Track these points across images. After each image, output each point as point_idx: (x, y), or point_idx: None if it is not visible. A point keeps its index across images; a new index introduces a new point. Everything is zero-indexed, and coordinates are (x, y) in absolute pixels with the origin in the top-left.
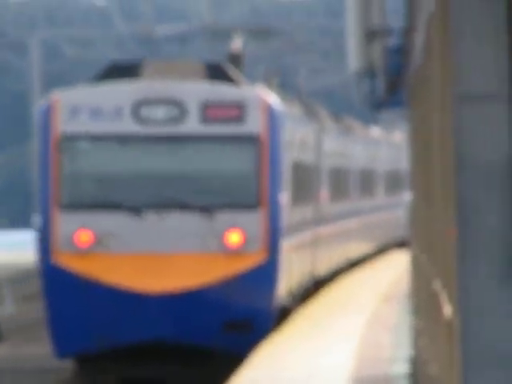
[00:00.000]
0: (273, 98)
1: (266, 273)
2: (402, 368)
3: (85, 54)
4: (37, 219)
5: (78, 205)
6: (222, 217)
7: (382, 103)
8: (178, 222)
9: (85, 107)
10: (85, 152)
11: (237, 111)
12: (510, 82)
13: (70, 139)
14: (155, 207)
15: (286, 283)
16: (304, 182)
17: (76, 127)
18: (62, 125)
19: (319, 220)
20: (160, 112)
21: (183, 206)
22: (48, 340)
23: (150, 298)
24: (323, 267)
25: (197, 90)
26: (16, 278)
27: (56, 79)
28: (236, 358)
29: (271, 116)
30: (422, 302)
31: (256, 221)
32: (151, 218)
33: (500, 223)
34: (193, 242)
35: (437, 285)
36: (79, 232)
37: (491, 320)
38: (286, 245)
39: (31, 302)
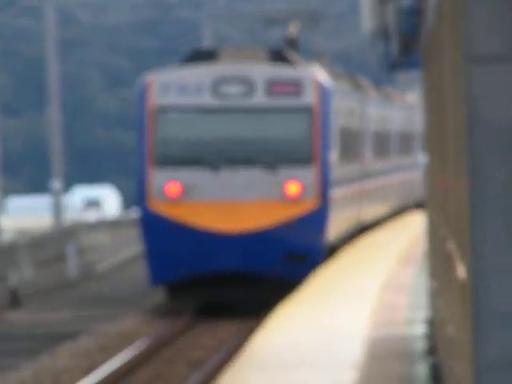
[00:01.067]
0: (323, 76)
1: (318, 216)
2: (418, 329)
3: (98, 19)
4: (136, 175)
5: (168, 162)
6: (283, 171)
7: (397, 65)
8: (247, 175)
9: (173, 85)
10: (174, 120)
11: (294, 87)
12: None
13: (163, 110)
14: (229, 164)
15: (334, 226)
16: (350, 143)
17: (167, 101)
18: (156, 99)
19: (363, 175)
20: (233, 89)
21: (252, 163)
22: (66, 304)
23: (225, 236)
24: (367, 215)
25: (262, 71)
26: (33, 243)
27: (70, 44)
28: (294, 284)
29: (322, 91)
30: (437, 263)
31: (310, 174)
32: (226, 173)
33: (511, 187)
34: (260, 192)
35: (451, 246)
36: (169, 184)
37: (503, 282)
38: (335, 194)
39: (48, 267)
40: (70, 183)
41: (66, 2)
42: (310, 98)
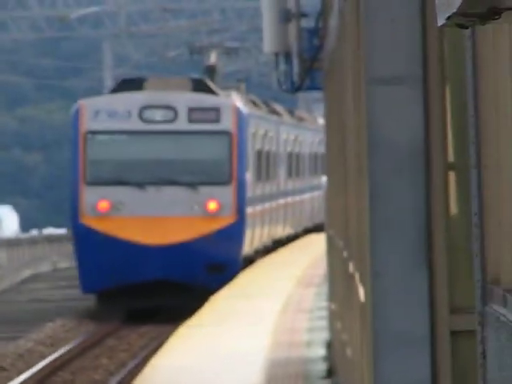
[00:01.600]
0: (240, 103)
1: (235, 230)
2: (318, 351)
3: None
4: (70, 192)
5: (98, 182)
6: (204, 190)
7: (299, 86)
8: (171, 194)
9: (103, 110)
10: (103, 143)
11: (214, 114)
12: (422, 66)
13: (93, 134)
14: (154, 183)
15: (250, 239)
16: (265, 164)
17: (97, 125)
18: (87, 123)
19: (277, 194)
20: (158, 114)
21: (175, 183)
22: None
23: (151, 248)
24: (280, 230)
25: (185, 99)
26: None
27: None
28: (213, 291)
29: (239, 117)
30: (337, 285)
31: (228, 193)
32: (151, 191)
33: (411, 207)
34: (182, 209)
35: (351, 268)
36: (100, 201)
37: (401, 304)
38: (250, 211)
39: None
40: None
41: None
42: (228, 123)
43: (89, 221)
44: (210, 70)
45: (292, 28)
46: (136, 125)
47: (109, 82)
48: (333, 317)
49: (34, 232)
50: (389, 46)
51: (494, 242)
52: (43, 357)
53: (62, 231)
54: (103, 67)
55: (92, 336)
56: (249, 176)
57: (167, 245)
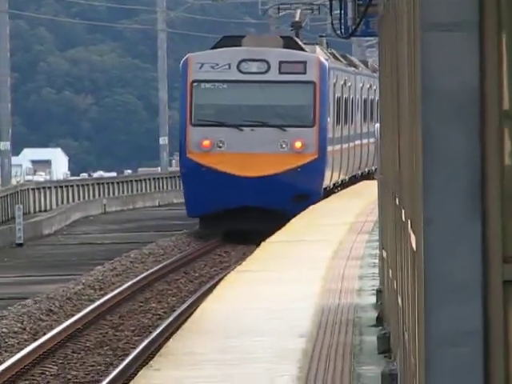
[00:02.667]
0: (323, 57)
1: (317, 165)
2: (369, 299)
3: None
4: (179, 132)
5: (202, 123)
6: (291, 131)
7: (353, 31)
8: (263, 134)
9: (207, 63)
10: (207, 91)
11: (301, 66)
12: (480, 11)
13: (198, 82)
14: (249, 125)
15: (330, 174)
16: (343, 110)
17: (202, 76)
18: (193, 74)
19: (354, 136)
20: (254, 66)
21: (267, 125)
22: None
23: (245, 179)
24: (356, 167)
25: (276, 53)
26: None
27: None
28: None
29: (322, 69)
30: (389, 232)
31: (312, 134)
32: (247, 131)
33: (465, 155)
34: (272, 147)
35: (403, 215)
36: (203, 139)
37: (453, 253)
38: (330, 149)
39: None
40: (19, 145)
41: None
42: (312, 74)
43: (194, 156)
44: (296, 27)
45: None
46: (235, 75)
47: (161, 25)
48: (384, 265)
49: (84, 175)
50: None
51: None
52: (92, 300)
53: (112, 174)
54: (156, 10)
55: (141, 280)
56: (329, 120)
57: (259, 177)
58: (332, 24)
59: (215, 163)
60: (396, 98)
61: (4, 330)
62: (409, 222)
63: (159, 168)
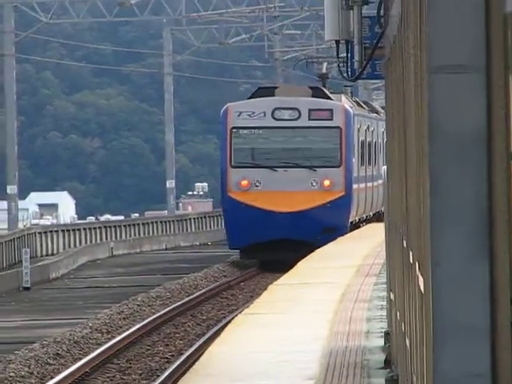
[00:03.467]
0: (348, 104)
1: (344, 201)
2: (377, 341)
3: (57, 19)
4: (221, 173)
5: (241, 165)
6: (321, 171)
7: (359, 74)
8: (295, 174)
9: (244, 111)
10: (244, 136)
11: (328, 113)
12: (486, 54)
13: (237, 129)
14: (283, 166)
15: (356, 209)
16: (367, 152)
17: (240, 123)
18: (233, 121)
19: (377, 175)
20: (286, 114)
21: (299, 166)
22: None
23: (280, 214)
24: (379, 204)
25: (306, 102)
26: None
27: (27, 45)
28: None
29: (347, 116)
30: (397, 274)
31: (339, 173)
32: (281, 172)
33: (473, 196)
34: (304, 185)
35: (411, 257)
36: (242, 180)
37: (461, 295)
38: (356, 187)
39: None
40: (26, 189)
41: (24, 1)
42: (338, 120)
43: (234, 194)
44: (323, 78)
45: (353, 15)
46: (269, 122)
47: (168, 69)
48: (392, 307)
49: (91, 218)
50: (451, 33)
51: None
52: (99, 344)
53: (119, 218)
54: (163, 53)
55: (148, 323)
56: (354, 161)
57: (292, 212)
58: (339, 66)
59: (253, 200)
60: (403, 139)
61: (11, 374)
62: (416, 264)
63: (166, 211)
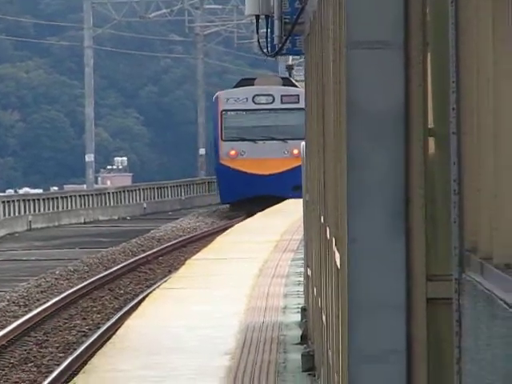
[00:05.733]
0: None
1: None
2: (293, 317)
3: None
4: (213, 145)
5: (230, 139)
6: (291, 143)
7: (279, 50)
8: (271, 145)
9: (231, 97)
10: (232, 117)
11: (296, 98)
12: (405, 30)
13: (226, 111)
14: (261, 139)
15: None
16: None
17: (228, 107)
18: (223, 105)
19: None
20: (264, 99)
21: (273, 139)
22: None
23: (261, 176)
24: None
25: (278, 90)
26: None
27: None
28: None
29: None
30: (314, 250)
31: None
32: (260, 144)
33: (390, 173)
34: (278, 153)
35: (328, 234)
36: (231, 150)
37: (377, 271)
38: None
39: None
40: None
41: None
42: (303, 103)
43: (225, 161)
44: (289, 69)
45: None
46: (251, 105)
47: (88, 42)
48: (308, 282)
49: (10, 191)
50: (370, 10)
51: (473, 209)
52: (16, 317)
53: (38, 191)
54: (83, 27)
55: (66, 297)
56: None
57: (270, 174)
58: (259, 42)
59: (240, 166)
60: (321, 116)
61: None
62: (333, 240)
63: (85, 185)
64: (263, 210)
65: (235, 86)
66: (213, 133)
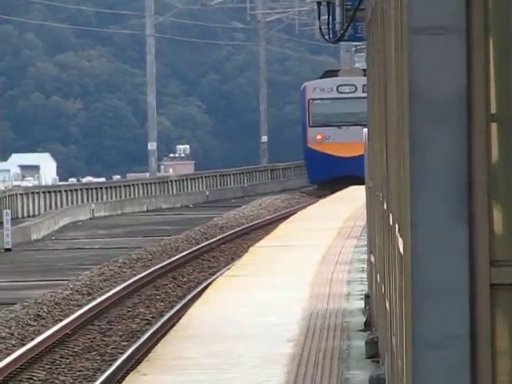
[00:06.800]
0: None
1: None
2: (357, 303)
3: None
4: (302, 131)
5: (317, 125)
6: None
7: (341, 36)
8: (354, 130)
9: (318, 87)
10: (319, 105)
11: None
12: (466, 15)
13: (313, 100)
14: (345, 124)
15: None
16: None
17: (315, 96)
18: (310, 95)
19: None
20: (347, 89)
21: (356, 124)
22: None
23: (345, 158)
24: None
25: (360, 80)
26: None
27: (10, 6)
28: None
29: None
30: (377, 237)
31: None
32: (344, 129)
33: (452, 158)
34: (360, 137)
35: (391, 220)
36: (317, 135)
37: (440, 257)
38: None
39: None
40: (8, 150)
41: None
42: None
43: (312, 145)
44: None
45: None
46: (335, 94)
47: (150, 30)
48: (372, 269)
49: (73, 180)
50: None
51: None
52: (80, 305)
53: (100, 180)
54: (145, 15)
55: (129, 285)
56: None
57: (353, 156)
58: (320, 29)
59: (325, 149)
60: (384, 102)
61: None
62: (396, 227)
63: (148, 174)
64: (345, 187)
65: (320, 77)
66: (301, 120)
